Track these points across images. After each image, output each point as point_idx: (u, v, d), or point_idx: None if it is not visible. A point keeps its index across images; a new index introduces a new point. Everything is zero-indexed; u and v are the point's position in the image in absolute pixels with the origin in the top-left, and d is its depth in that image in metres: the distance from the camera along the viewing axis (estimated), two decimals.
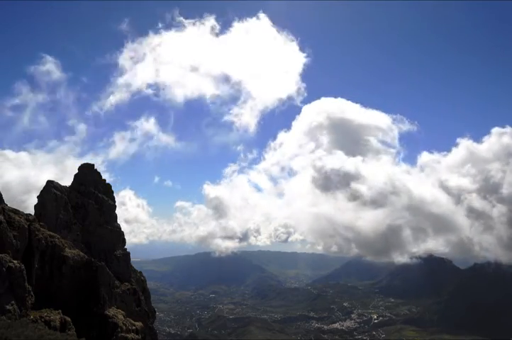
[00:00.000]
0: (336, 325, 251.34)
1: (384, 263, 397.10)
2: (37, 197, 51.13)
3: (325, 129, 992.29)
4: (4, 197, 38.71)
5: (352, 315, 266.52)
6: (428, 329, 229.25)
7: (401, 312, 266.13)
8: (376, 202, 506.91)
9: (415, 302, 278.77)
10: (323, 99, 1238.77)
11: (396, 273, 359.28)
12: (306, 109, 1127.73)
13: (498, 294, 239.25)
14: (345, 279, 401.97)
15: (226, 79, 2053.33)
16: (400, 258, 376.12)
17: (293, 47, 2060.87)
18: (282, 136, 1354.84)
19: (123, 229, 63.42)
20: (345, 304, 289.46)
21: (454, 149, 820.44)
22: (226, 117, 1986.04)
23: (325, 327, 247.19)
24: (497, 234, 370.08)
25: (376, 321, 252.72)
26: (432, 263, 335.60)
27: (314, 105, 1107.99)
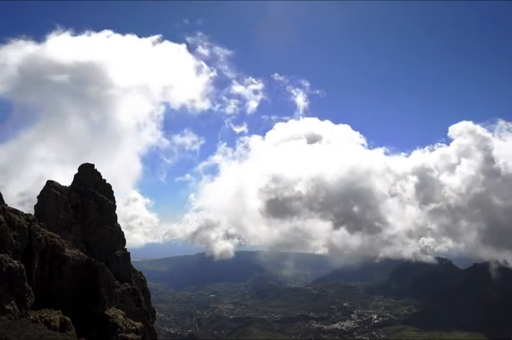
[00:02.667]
0: (336, 325, 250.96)
1: (384, 263, 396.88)
2: (37, 197, 51.17)
3: None
4: None
5: (352, 315, 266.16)
6: (428, 329, 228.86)
7: (401, 312, 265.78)
8: None
9: (416, 302, 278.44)
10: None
11: (396, 273, 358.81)
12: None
13: (499, 294, 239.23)
14: (345, 279, 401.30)
15: None
16: (400, 258, 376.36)
17: None
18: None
19: (123, 229, 63.66)
20: (345, 304, 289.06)
21: None
22: None
23: (325, 327, 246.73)
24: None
25: (376, 321, 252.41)
26: (432, 263, 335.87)
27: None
